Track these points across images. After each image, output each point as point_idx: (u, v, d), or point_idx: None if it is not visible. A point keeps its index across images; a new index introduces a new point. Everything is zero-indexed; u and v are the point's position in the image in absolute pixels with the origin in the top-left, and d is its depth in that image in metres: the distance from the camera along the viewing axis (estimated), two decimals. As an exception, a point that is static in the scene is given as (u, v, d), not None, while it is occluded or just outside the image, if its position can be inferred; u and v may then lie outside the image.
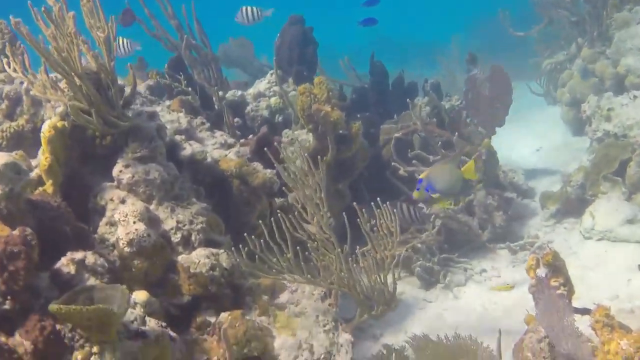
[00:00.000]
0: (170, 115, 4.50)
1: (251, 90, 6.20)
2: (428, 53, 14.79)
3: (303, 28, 6.19)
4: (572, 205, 5.89)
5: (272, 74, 6.38)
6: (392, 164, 5.54)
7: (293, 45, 6.19)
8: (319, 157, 3.93)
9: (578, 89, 8.10)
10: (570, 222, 5.90)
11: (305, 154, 3.77)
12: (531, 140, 8.70)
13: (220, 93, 5.90)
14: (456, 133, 5.68)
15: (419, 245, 5.24)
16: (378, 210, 3.80)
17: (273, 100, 5.95)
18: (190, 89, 5.66)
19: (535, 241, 5.44)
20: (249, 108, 5.90)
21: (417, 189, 3.93)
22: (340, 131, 5.13)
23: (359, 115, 5.98)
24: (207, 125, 4.76)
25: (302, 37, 6.16)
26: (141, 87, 5.25)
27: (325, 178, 5.00)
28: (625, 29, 7.83)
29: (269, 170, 4.34)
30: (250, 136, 4.95)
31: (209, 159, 4.21)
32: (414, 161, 5.54)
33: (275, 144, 4.51)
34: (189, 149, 4.18)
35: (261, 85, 6.31)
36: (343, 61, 7.59)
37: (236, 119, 5.81)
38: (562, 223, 5.92)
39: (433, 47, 17.30)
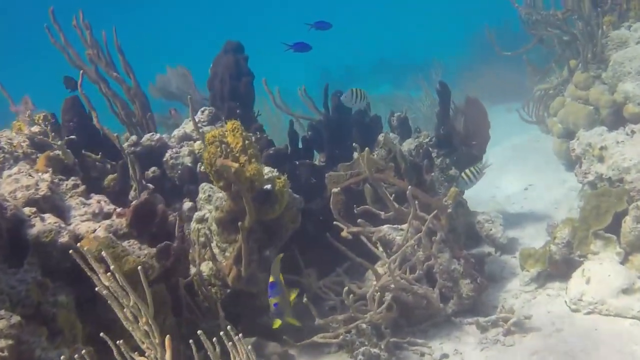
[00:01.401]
0: (28, 179, 3.44)
1: (176, 132, 5.16)
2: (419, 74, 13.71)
3: (235, 57, 5.15)
4: (557, 267, 4.79)
5: (202, 112, 5.35)
6: (334, 222, 4.47)
7: (225, 77, 5.15)
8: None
9: (570, 119, 6.98)
10: (554, 287, 4.79)
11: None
12: (520, 176, 7.61)
13: (134, 137, 4.86)
14: (408, 185, 4.59)
15: (364, 325, 4.16)
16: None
17: (197, 145, 4.91)
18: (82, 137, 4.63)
19: (509, 316, 4.34)
20: (167, 155, 4.86)
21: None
22: (266, 186, 4.10)
23: (297, 163, 4.92)
24: (82, 188, 3.71)
25: (234, 68, 5.12)
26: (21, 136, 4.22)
27: (246, 246, 4.02)
28: (623, 49, 6.73)
29: (145, 252, 3.29)
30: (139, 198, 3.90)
31: (62, 238, 3.16)
32: (359, 220, 4.47)
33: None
34: (37, 226, 3.14)
35: (189, 125, 5.28)
36: (300, 90, 6.53)
37: (152, 169, 4.78)
38: (545, 289, 4.81)
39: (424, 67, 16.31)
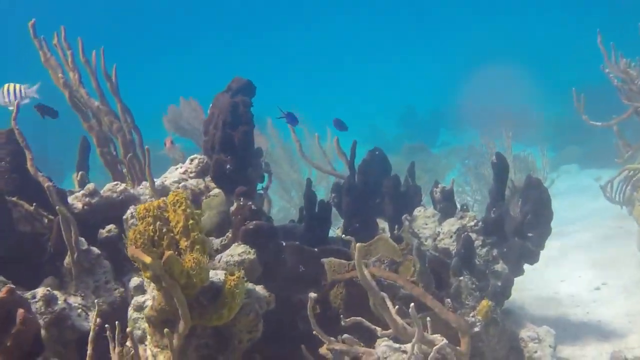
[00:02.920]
0: None
1: (156, 181, 4.11)
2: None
3: (233, 100, 4.05)
4: None
5: (191, 160, 4.29)
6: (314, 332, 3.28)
7: (218, 122, 4.06)
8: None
9: (662, 211, 5.55)
10: None
11: None
12: (593, 269, 6.19)
13: (90, 186, 3.83)
14: (421, 291, 3.35)
15: None
16: None
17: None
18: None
19: None
20: (129, 212, 3.78)
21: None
22: (217, 279, 3.00)
23: (284, 244, 3.75)
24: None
25: (230, 113, 4.01)
26: None
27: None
28: None
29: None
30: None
31: None
32: (345, 336, 3.26)
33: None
34: None
35: (174, 174, 4.22)
36: (331, 143, 5.41)
37: (108, 228, 3.74)
38: None
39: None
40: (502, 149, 9.24)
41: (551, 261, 6.24)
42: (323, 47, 39.92)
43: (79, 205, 3.81)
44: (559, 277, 5.95)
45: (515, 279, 4.52)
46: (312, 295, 3.11)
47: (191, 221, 2.84)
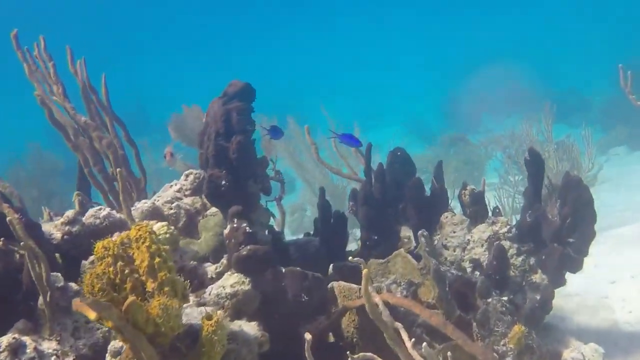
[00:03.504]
0: None
1: (141, 205, 3.68)
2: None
3: (226, 107, 3.59)
4: None
5: (187, 176, 3.87)
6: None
7: (211, 133, 3.62)
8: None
9: None
10: None
11: None
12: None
13: (69, 213, 3.43)
14: (440, 320, 2.86)
15: None
16: None
17: (158, 227, 3.41)
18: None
19: None
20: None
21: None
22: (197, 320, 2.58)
23: (283, 270, 3.29)
24: None
25: (223, 123, 3.56)
26: None
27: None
28: None
29: None
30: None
31: None
32: (350, 378, 2.80)
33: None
34: None
35: (168, 192, 3.80)
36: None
37: (91, 259, 3.34)
38: None
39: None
40: (543, 134, 8.63)
41: (600, 259, 5.66)
42: (355, 41, 39.20)
43: (58, 235, 3.42)
44: (609, 278, 5.36)
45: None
46: (308, 337, 2.65)
47: (157, 259, 2.42)
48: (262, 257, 3.09)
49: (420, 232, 3.40)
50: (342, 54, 37.30)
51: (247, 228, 3.22)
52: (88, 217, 3.49)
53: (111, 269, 2.40)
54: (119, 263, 2.41)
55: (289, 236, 8.74)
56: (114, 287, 2.41)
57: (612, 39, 21.89)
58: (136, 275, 2.43)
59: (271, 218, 4.66)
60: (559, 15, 31.28)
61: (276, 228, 5.02)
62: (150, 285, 2.41)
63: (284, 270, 3.18)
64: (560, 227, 3.99)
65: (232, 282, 3.05)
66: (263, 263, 3.11)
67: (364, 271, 2.56)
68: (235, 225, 3.26)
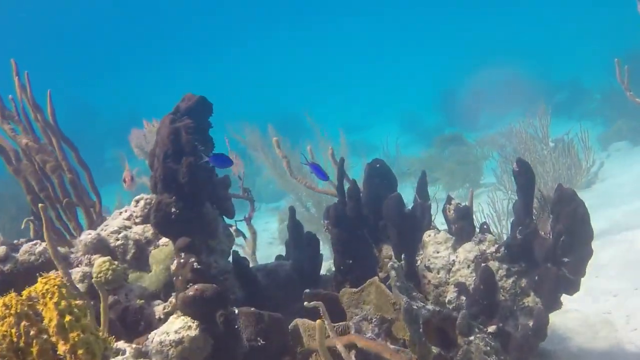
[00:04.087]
0: None
1: (84, 236, 3.29)
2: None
3: (175, 126, 3.19)
4: None
5: (137, 202, 3.48)
6: None
7: (160, 154, 3.23)
8: None
9: None
10: None
11: None
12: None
13: (3, 248, 3.05)
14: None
15: None
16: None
17: (99, 263, 3.02)
18: None
19: None
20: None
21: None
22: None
23: (236, 312, 2.89)
24: None
25: (171, 143, 3.17)
26: None
27: None
28: None
29: None
30: None
31: None
32: None
33: None
34: None
35: (117, 220, 3.42)
36: (329, 152, 4.55)
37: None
38: None
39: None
40: (541, 130, 8.20)
41: (602, 271, 5.26)
42: (349, 39, 38.59)
43: (-10, 274, 3.05)
44: (612, 291, 4.96)
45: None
46: None
47: (68, 317, 2.03)
48: (210, 298, 2.70)
49: (390, 263, 3.00)
50: (335, 52, 36.82)
51: (195, 264, 2.84)
52: (22, 254, 3.11)
53: (13, 330, 2.02)
54: (24, 323, 2.02)
55: (278, 247, 8.34)
56: (17, 352, 2.03)
57: (611, 29, 21.42)
58: (45, 337, 2.04)
59: (240, 239, 4.29)
60: (556, 6, 30.79)
61: (247, 249, 4.65)
62: (62, 348, 2.03)
63: (236, 311, 2.78)
64: (554, 246, 3.60)
65: (177, 327, 2.67)
66: (212, 304, 2.72)
67: (317, 323, 2.18)
68: (182, 260, 2.87)
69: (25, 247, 3.15)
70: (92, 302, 2.93)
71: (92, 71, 35.25)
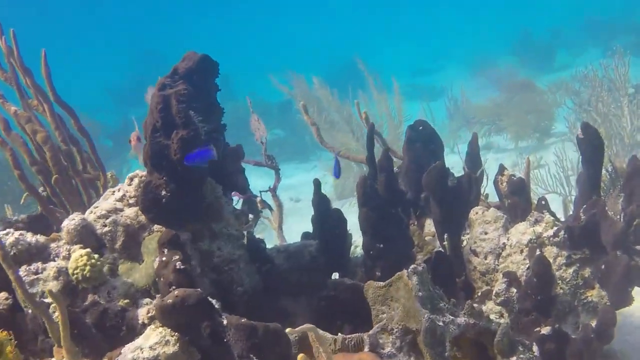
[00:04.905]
0: None
1: (69, 223, 2.84)
2: None
3: (162, 94, 2.68)
4: None
5: (130, 180, 3.01)
6: None
7: (148, 125, 2.73)
8: None
9: None
10: None
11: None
12: None
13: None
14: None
15: None
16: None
17: (75, 258, 2.58)
18: None
19: None
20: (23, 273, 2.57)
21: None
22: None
23: (224, 322, 2.39)
24: None
25: (160, 114, 2.67)
26: None
27: None
28: None
29: None
30: None
31: None
32: None
33: None
34: None
35: (108, 201, 2.96)
36: (363, 113, 3.98)
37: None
38: None
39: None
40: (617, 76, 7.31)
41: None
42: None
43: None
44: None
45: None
46: None
47: None
48: (193, 306, 2.21)
49: (412, 267, 2.43)
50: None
51: (179, 263, 2.36)
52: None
53: None
54: None
55: (334, 203, 7.80)
56: None
57: None
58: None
59: (266, 212, 3.83)
60: None
61: (274, 224, 4.17)
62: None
63: (225, 321, 2.29)
64: (625, 230, 2.96)
65: (152, 342, 2.21)
66: (195, 314, 2.23)
67: (311, 327, 1.67)
68: (164, 258, 2.40)
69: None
70: (68, 304, 2.51)
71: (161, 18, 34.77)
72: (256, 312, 2.94)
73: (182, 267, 2.36)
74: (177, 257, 2.37)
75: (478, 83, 14.54)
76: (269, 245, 3.46)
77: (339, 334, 2.39)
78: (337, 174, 3.55)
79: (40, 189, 3.34)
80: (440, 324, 2.19)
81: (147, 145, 2.69)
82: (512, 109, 9.34)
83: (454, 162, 7.13)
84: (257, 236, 3.92)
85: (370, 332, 2.36)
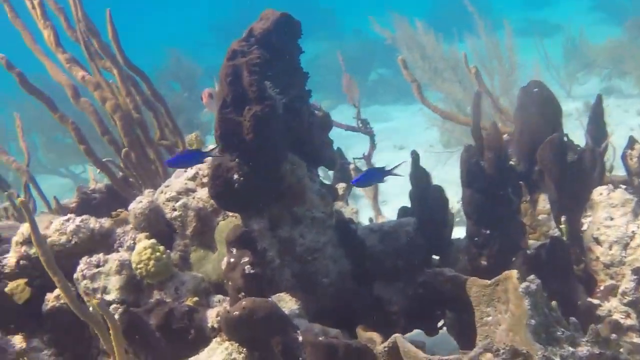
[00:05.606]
0: None
1: (136, 207, 2.57)
2: None
3: (232, 64, 2.32)
4: None
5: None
6: None
7: (218, 99, 2.40)
8: None
9: None
10: None
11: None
12: None
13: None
14: None
15: None
16: None
17: (139, 250, 2.31)
18: None
19: None
20: (79, 269, 2.32)
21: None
22: None
23: (300, 339, 2.06)
24: None
25: (229, 87, 2.30)
26: None
27: None
28: None
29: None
30: None
31: None
32: None
33: None
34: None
35: (179, 180, 2.68)
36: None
37: (56, 292, 2.34)
38: None
39: None
40: None
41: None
42: None
43: (12, 261, 2.43)
44: None
45: None
46: None
47: None
48: (262, 320, 1.90)
49: (523, 285, 2.00)
50: None
51: (248, 267, 2.04)
52: (52, 233, 2.46)
53: None
54: None
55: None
56: None
57: None
58: None
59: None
60: None
61: (369, 193, 3.80)
62: None
63: (300, 338, 1.97)
64: None
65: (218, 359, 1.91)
66: (265, 328, 1.92)
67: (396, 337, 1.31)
68: (232, 259, 2.08)
69: (55, 223, 2.50)
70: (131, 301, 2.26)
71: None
72: (345, 303, 2.63)
73: (252, 271, 2.04)
74: (247, 259, 2.05)
75: (595, 18, 13.37)
76: (362, 217, 3.11)
77: (436, 355, 2.01)
78: (361, 182, 3.02)
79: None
80: (559, 357, 1.78)
81: (216, 121, 2.35)
82: (637, 49, 8.43)
83: (570, 110, 6.46)
84: (350, 207, 3.58)
85: (472, 354, 1.97)
